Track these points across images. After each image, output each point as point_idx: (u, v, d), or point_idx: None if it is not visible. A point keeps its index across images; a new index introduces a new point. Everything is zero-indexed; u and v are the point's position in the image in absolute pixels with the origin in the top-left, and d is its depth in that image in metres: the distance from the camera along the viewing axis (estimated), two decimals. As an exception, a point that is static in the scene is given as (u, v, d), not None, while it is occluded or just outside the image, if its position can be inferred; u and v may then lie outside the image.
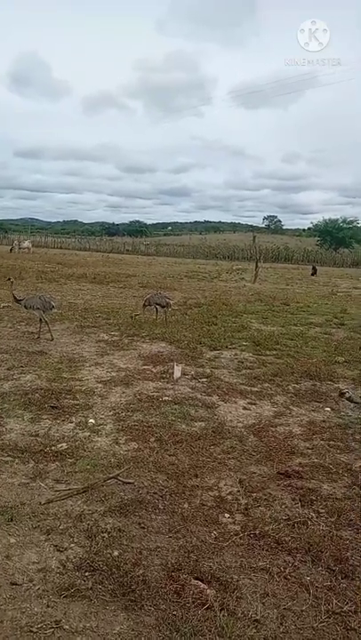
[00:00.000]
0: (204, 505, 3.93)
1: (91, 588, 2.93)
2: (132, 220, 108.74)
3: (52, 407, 5.82)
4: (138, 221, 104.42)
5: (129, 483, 4.14)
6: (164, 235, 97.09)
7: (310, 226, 71.67)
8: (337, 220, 61.34)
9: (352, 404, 5.87)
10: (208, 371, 7.76)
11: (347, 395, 5.51)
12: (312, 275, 29.45)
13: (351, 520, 3.80)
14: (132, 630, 2.66)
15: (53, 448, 4.74)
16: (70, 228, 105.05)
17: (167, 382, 7.10)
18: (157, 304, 11.52)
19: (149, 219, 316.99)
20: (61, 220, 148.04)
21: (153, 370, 7.69)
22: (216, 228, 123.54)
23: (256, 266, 26.11)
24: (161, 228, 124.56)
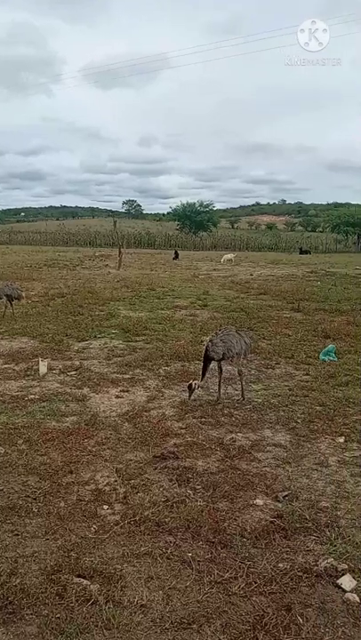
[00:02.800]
0: (81, 500, 3.83)
1: None
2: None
3: None
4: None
5: (-2, 490, 3.87)
6: (17, 221, 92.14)
7: (170, 210, 73.11)
8: (194, 203, 63.58)
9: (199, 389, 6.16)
10: (77, 363, 7.56)
11: (195, 388, 5.91)
12: (174, 259, 30.30)
13: (226, 491, 3.99)
14: (13, 646, 2.50)
15: None
16: None
17: (32, 380, 6.77)
18: (8, 296, 10.84)
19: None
20: None
21: (15, 368, 7.27)
22: (74, 213, 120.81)
23: (119, 252, 26.00)
24: (13, 214, 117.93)
